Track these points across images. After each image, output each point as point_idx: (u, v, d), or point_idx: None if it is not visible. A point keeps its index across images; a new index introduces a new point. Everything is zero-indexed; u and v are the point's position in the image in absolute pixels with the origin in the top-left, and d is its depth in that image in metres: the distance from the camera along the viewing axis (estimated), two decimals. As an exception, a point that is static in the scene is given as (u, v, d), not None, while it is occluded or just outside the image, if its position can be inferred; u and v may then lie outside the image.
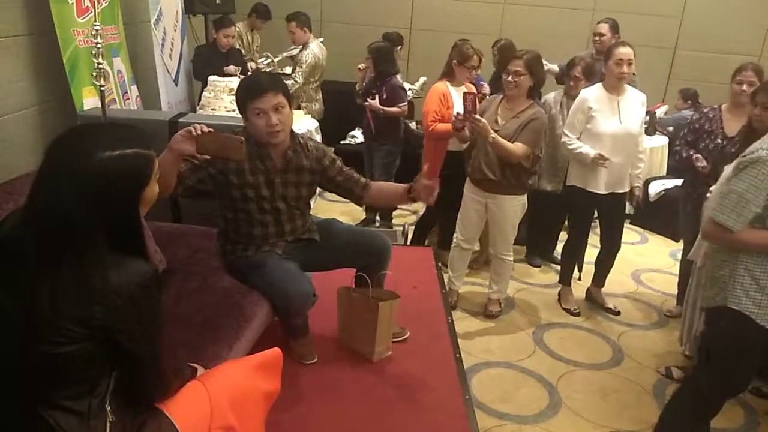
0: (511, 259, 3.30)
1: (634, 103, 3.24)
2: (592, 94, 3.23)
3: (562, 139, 3.32)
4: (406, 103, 4.30)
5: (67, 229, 1.16)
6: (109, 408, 1.24)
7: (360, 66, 4.52)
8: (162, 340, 1.31)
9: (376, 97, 4.20)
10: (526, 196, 3.19)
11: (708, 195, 2.90)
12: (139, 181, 1.25)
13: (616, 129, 3.19)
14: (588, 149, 3.16)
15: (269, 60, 4.97)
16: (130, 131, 1.29)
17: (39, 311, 1.14)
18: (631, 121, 3.22)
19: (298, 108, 4.68)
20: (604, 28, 4.26)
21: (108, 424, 1.23)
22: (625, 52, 3.12)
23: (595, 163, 3.14)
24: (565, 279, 3.65)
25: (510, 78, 2.96)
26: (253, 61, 5.16)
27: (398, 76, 4.35)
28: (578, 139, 3.25)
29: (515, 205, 3.13)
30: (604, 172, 3.21)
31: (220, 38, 4.75)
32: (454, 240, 3.40)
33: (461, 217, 3.32)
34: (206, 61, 4.68)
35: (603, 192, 3.27)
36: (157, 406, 1.37)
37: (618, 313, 3.58)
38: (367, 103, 4.24)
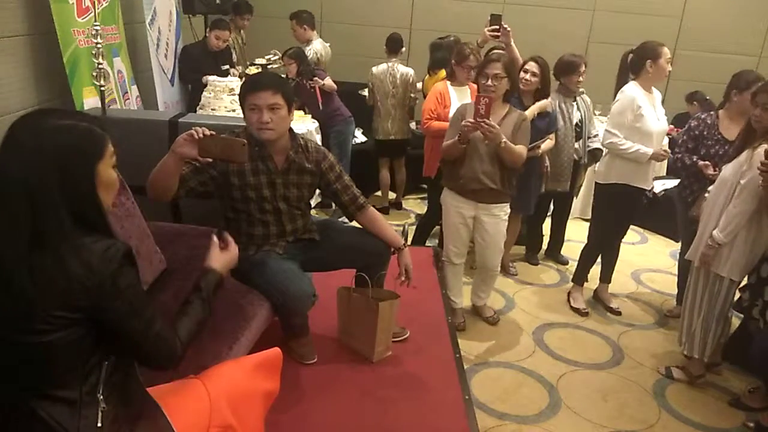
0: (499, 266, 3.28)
1: (659, 101, 3.29)
2: (637, 93, 3.19)
3: (611, 140, 3.23)
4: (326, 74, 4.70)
5: (26, 199, 1.15)
6: (101, 397, 1.24)
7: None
8: (151, 308, 1.29)
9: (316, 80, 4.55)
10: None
11: (706, 195, 2.91)
12: (90, 152, 1.24)
13: (658, 126, 3.22)
14: (645, 148, 3.15)
15: (276, 57, 5.00)
16: (90, 116, 1.32)
17: (19, 300, 1.14)
18: (663, 118, 3.28)
19: (300, 108, 4.69)
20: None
21: (100, 414, 1.23)
22: (668, 50, 3.17)
23: (656, 159, 3.19)
24: (580, 278, 3.62)
25: (489, 82, 2.83)
26: (246, 63, 5.15)
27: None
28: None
29: (506, 212, 3.06)
30: (651, 167, 3.26)
31: (212, 38, 4.67)
32: (444, 258, 3.23)
33: (450, 234, 3.14)
34: (195, 62, 4.63)
35: (649, 187, 3.30)
36: (155, 402, 1.37)
37: (619, 313, 3.58)
38: (314, 80, 4.51)
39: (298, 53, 4.66)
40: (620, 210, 3.38)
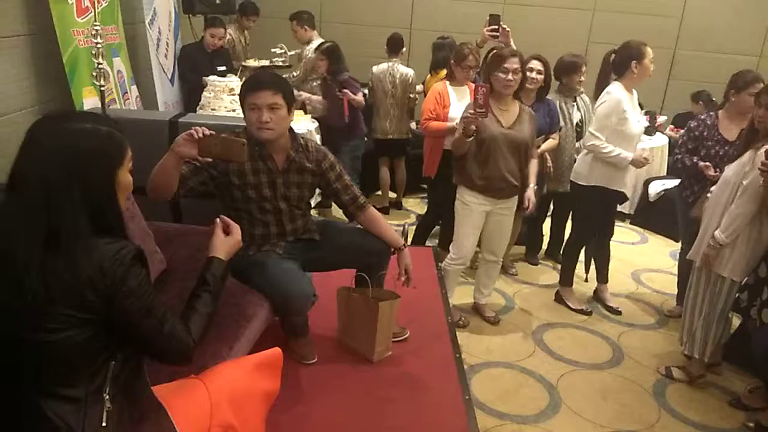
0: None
1: (637, 102, 3.27)
2: (623, 95, 3.14)
3: (593, 142, 3.17)
4: (359, 89, 4.50)
5: (44, 201, 1.16)
6: (107, 396, 1.24)
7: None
8: (162, 307, 1.30)
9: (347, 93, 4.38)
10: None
11: (708, 195, 2.91)
12: (112, 156, 1.25)
13: (639, 128, 3.22)
14: (626, 153, 3.13)
15: (282, 51, 4.98)
16: (108, 119, 1.32)
17: (30, 298, 1.14)
18: (642, 119, 3.30)
19: (302, 108, 4.69)
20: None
21: (105, 413, 1.23)
22: (651, 50, 3.15)
23: (635, 165, 3.17)
24: (567, 280, 3.63)
25: (510, 76, 2.85)
26: (247, 60, 5.13)
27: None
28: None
29: (515, 203, 3.10)
30: (631, 170, 3.24)
31: (207, 37, 4.64)
32: (450, 263, 3.20)
33: (464, 232, 3.09)
34: (192, 61, 4.62)
35: (626, 189, 3.29)
36: (159, 403, 1.37)
37: (619, 313, 3.58)
38: (344, 92, 4.35)
39: (332, 49, 4.45)
40: (602, 211, 3.40)
